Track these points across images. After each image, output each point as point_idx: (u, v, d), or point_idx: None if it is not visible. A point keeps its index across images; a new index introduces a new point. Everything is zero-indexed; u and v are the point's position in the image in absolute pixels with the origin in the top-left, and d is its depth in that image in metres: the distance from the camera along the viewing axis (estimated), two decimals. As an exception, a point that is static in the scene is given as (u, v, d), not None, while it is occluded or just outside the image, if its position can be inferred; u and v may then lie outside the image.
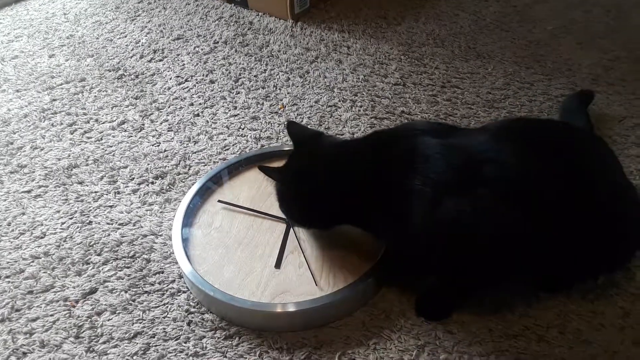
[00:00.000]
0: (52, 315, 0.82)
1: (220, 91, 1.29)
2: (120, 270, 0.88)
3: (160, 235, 0.94)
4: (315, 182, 0.80)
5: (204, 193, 0.98)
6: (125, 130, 1.18)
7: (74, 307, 0.83)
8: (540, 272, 0.79)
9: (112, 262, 0.89)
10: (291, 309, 0.77)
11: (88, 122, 1.21)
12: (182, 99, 1.27)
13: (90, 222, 0.97)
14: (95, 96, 1.29)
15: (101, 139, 1.16)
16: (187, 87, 1.31)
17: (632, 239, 0.80)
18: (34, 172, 1.08)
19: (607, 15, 1.51)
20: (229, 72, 1.35)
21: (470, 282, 0.77)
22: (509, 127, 0.81)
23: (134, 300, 0.84)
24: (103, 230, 0.95)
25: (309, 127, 0.90)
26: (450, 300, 0.81)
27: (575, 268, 0.78)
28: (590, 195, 0.72)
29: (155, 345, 0.78)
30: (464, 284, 0.78)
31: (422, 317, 0.80)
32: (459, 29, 1.48)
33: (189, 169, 1.08)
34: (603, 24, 1.47)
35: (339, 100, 1.24)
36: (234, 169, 1.03)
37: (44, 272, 0.88)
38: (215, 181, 1.00)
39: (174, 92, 1.29)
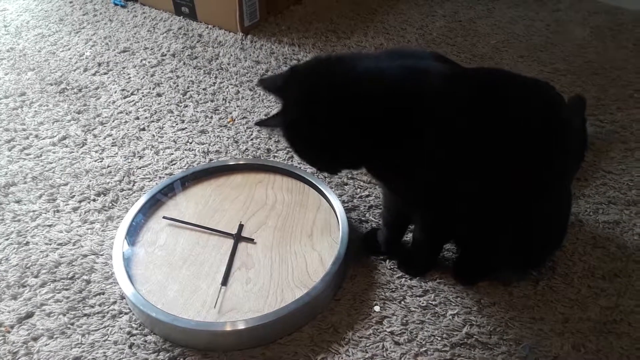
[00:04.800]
0: (-16, 342, 0.78)
1: (167, 104, 1.26)
2: (58, 293, 0.85)
3: (102, 255, 0.91)
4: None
5: (148, 210, 0.95)
6: (66, 146, 1.14)
7: (8, 332, 0.79)
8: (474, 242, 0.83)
9: (50, 284, 0.86)
10: (239, 326, 0.76)
11: (27, 137, 1.16)
12: (127, 113, 1.24)
13: (27, 243, 0.93)
14: (35, 111, 1.24)
15: (41, 155, 1.12)
16: (133, 100, 1.28)
17: (555, 237, 0.85)
18: (-33, 191, 1.03)
19: (546, 29, 1.57)
20: (177, 85, 1.33)
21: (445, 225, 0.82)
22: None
23: (72, 324, 0.80)
24: (41, 251, 0.91)
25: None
26: (430, 257, 0.88)
27: (499, 250, 0.82)
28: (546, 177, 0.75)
29: (95, 370, 0.75)
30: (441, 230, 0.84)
31: (407, 274, 0.87)
32: (406, 43, 1.51)
33: (133, 185, 1.05)
34: (543, 37, 1.53)
35: (289, 113, 1.23)
36: (181, 184, 1.01)
37: (-24, 297, 0.84)
38: (161, 197, 0.98)
39: (119, 106, 1.26)
